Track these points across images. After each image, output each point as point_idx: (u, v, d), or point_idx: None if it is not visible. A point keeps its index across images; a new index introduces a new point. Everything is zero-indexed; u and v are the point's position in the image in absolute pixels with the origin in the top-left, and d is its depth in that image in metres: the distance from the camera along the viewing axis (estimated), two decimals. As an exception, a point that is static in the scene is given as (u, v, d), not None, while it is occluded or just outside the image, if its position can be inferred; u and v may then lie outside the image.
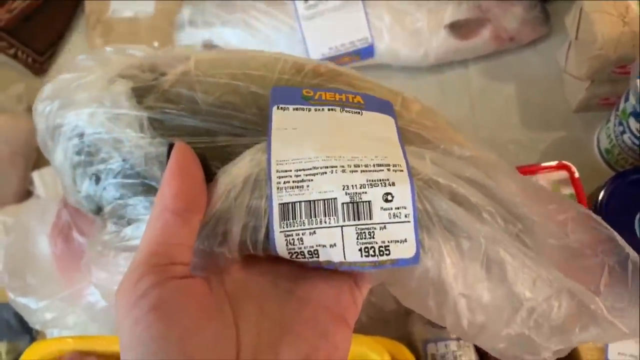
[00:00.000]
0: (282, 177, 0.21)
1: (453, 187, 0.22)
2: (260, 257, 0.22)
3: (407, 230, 0.21)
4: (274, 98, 0.23)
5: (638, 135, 0.43)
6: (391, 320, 0.45)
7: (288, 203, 0.21)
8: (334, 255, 0.21)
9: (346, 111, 0.23)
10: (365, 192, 0.21)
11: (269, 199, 0.21)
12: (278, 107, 0.23)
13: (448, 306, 0.22)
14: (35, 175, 0.57)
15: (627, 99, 0.43)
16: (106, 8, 0.64)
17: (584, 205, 0.42)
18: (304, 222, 0.21)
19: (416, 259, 0.21)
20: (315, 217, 0.21)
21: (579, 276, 0.23)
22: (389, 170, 0.21)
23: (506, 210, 0.23)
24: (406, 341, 0.41)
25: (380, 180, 0.21)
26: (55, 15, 0.66)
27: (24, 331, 0.49)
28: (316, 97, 0.23)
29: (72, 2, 0.67)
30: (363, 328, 0.45)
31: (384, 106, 0.24)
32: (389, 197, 0.21)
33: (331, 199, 0.21)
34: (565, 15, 0.50)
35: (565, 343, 0.22)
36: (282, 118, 0.22)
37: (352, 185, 0.21)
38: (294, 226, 0.21)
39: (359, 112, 0.23)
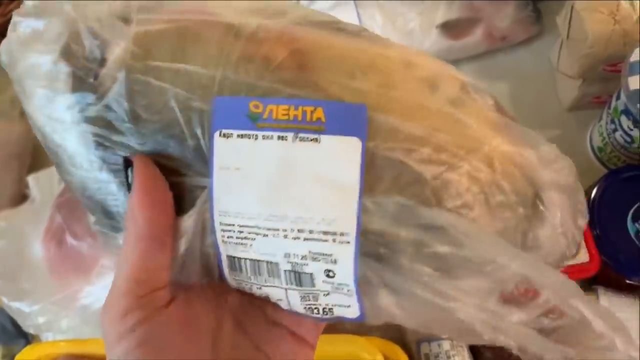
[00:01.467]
0: (226, 231, 0.20)
1: (411, 250, 0.19)
2: None
3: (350, 300, 0.20)
4: (217, 116, 0.19)
5: (629, 133, 0.43)
6: (385, 320, 0.45)
7: (234, 257, 0.20)
8: (282, 305, 0.22)
9: (300, 139, 0.19)
10: (307, 265, 0.20)
11: (217, 250, 0.20)
12: (221, 134, 0.19)
13: (406, 325, 0.22)
14: (31, 179, 0.57)
15: (618, 97, 0.43)
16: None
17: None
18: (250, 278, 0.21)
19: (361, 318, 0.21)
20: (260, 275, 0.20)
21: None
22: (334, 241, 0.19)
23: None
24: (399, 341, 0.42)
25: (322, 254, 0.19)
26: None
27: (19, 335, 0.49)
28: (265, 114, 0.19)
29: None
30: (356, 328, 0.45)
31: (352, 119, 0.19)
32: (331, 274, 0.20)
33: (274, 262, 0.20)
34: (557, 14, 0.50)
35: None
36: (225, 151, 0.19)
37: (294, 255, 0.19)
38: (242, 278, 0.21)
39: (316, 139, 0.19)
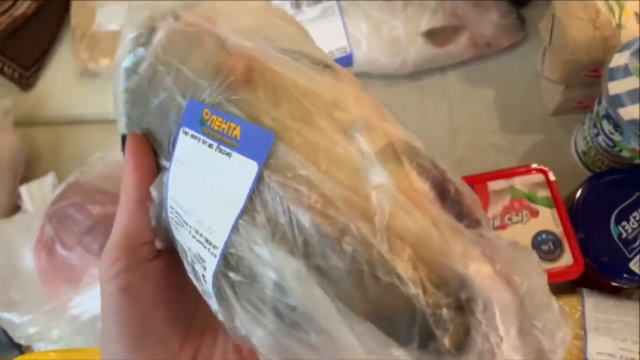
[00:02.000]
0: (171, 212, 0.23)
1: (256, 284, 0.19)
2: None
3: (214, 306, 0.22)
4: (185, 115, 0.22)
5: (611, 137, 0.44)
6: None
7: (174, 236, 0.24)
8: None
9: (220, 151, 0.21)
10: (196, 264, 0.22)
11: (166, 216, 0.24)
12: (184, 131, 0.22)
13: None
14: (23, 190, 0.58)
15: (599, 102, 0.44)
16: (91, 22, 0.64)
17: (561, 207, 0.43)
18: (180, 255, 0.24)
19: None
20: (182, 256, 0.23)
21: None
22: (209, 250, 0.21)
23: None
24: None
25: (201, 259, 0.21)
26: (41, 30, 0.67)
27: (12, 346, 0.49)
28: (209, 122, 0.21)
29: (58, 17, 0.68)
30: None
31: (259, 144, 0.19)
32: (204, 279, 0.22)
33: (185, 252, 0.23)
34: (540, 21, 0.51)
35: None
36: (182, 146, 0.23)
37: (192, 251, 0.22)
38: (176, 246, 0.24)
39: (229, 154, 0.20)
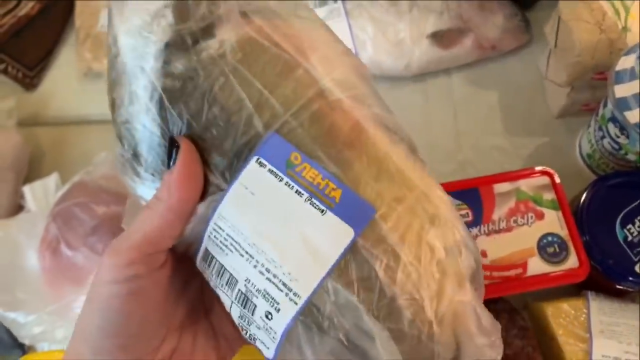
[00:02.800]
0: (216, 230, 0.22)
1: (333, 338, 0.21)
2: None
3: (272, 344, 0.22)
4: (263, 146, 0.21)
5: (617, 140, 0.44)
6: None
7: (210, 253, 0.23)
8: (226, 308, 0.24)
9: (311, 203, 0.21)
10: (257, 298, 0.22)
11: (201, 239, 0.23)
12: (257, 160, 0.21)
13: None
14: (26, 189, 0.57)
15: (605, 105, 0.44)
16: (95, 23, 0.64)
17: (566, 210, 0.43)
18: (212, 275, 0.23)
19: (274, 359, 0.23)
20: (220, 279, 0.23)
21: None
22: (287, 295, 0.21)
23: None
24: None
25: (272, 299, 0.21)
26: (45, 31, 0.67)
27: (15, 346, 0.49)
28: (299, 168, 0.21)
29: (62, 18, 0.68)
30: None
31: (359, 213, 0.21)
32: (269, 317, 0.22)
33: (235, 278, 0.22)
34: (545, 24, 0.51)
35: None
36: (252, 175, 0.21)
37: (252, 284, 0.22)
38: (206, 270, 0.24)
39: (323, 210, 0.21)
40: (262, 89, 0.21)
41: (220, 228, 0.22)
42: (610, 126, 0.44)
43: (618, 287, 0.42)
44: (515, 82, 0.56)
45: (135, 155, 0.24)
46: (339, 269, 0.21)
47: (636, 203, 0.42)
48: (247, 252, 0.22)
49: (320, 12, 0.53)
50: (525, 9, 0.56)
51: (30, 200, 0.57)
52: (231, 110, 0.21)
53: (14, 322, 0.41)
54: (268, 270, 0.21)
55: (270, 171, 0.21)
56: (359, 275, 0.21)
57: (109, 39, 0.24)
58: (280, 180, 0.21)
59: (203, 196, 0.23)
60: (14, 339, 0.47)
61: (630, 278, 0.40)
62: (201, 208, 0.23)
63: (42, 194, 0.57)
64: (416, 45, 0.53)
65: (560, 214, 0.43)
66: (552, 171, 0.44)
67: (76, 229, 0.42)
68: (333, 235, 0.21)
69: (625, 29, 0.45)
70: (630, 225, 0.42)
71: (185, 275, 0.26)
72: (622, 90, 0.41)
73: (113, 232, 0.40)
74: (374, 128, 0.22)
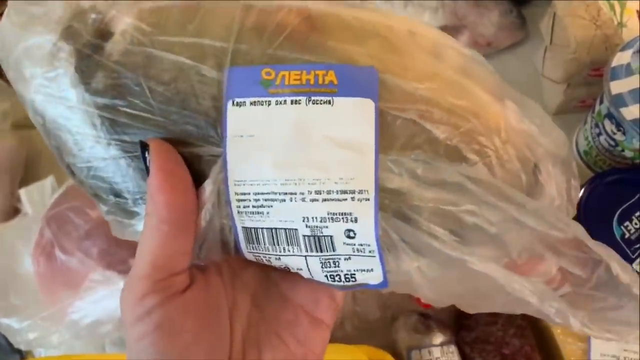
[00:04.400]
0: (242, 200, 0.20)
1: (430, 207, 0.20)
2: None
3: (372, 263, 0.20)
4: (229, 86, 0.19)
5: (613, 136, 0.44)
6: (375, 328, 0.45)
7: (251, 228, 0.20)
8: (303, 274, 0.21)
9: (313, 102, 0.19)
10: (327, 227, 0.19)
11: (232, 222, 0.20)
12: (234, 103, 0.19)
13: (422, 295, 0.22)
14: (22, 193, 0.57)
15: (601, 101, 0.44)
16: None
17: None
18: (268, 248, 0.20)
19: (384, 284, 0.21)
20: (278, 244, 0.20)
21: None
22: (353, 199, 0.19)
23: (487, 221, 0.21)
24: (390, 349, 0.42)
25: (342, 214, 0.19)
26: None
27: (13, 351, 0.49)
28: (278, 80, 0.19)
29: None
30: (347, 337, 0.45)
31: (364, 81, 0.19)
32: (352, 234, 0.19)
33: (292, 229, 0.20)
34: (540, 21, 0.51)
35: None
36: (238, 119, 0.19)
37: (313, 218, 0.19)
38: (259, 250, 0.21)
39: (329, 102, 0.19)
40: (189, 40, 0.20)
41: (244, 194, 0.19)
42: (607, 123, 0.44)
43: (616, 284, 0.42)
44: (511, 79, 0.54)
45: (117, 195, 0.22)
46: (383, 143, 0.19)
47: (633, 200, 0.42)
48: (286, 193, 0.19)
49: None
50: (520, 5, 0.56)
51: (26, 204, 0.56)
52: (175, 77, 0.20)
53: (9, 327, 0.41)
54: (319, 192, 0.19)
55: (253, 103, 0.19)
56: (404, 136, 0.19)
57: (29, 113, 0.22)
58: (269, 105, 0.19)
59: (201, 180, 0.20)
60: (11, 344, 0.47)
61: (628, 276, 0.40)
62: (207, 191, 0.20)
63: (38, 197, 0.57)
64: (411, 44, 0.53)
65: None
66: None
67: (70, 233, 0.41)
68: (355, 116, 0.19)
69: (620, 24, 0.45)
70: (627, 223, 0.42)
71: (233, 290, 0.23)
72: (618, 87, 0.41)
73: (107, 236, 0.40)
74: (315, 4, 0.20)
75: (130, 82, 0.20)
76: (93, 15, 0.20)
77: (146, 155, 0.20)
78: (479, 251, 0.20)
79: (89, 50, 0.20)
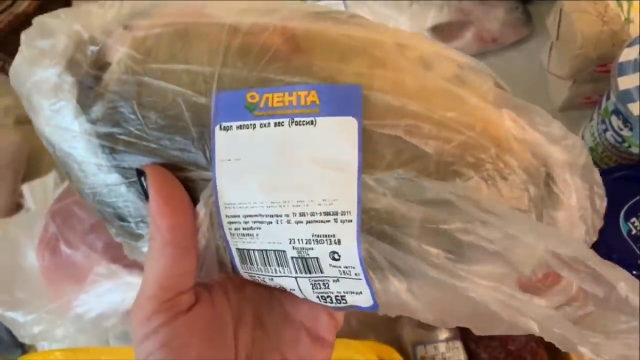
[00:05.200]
0: (232, 222, 0.20)
1: (417, 226, 0.19)
2: None
3: (359, 285, 0.20)
4: (216, 110, 0.20)
5: (620, 132, 0.44)
6: (380, 323, 0.45)
7: (243, 249, 0.21)
8: (297, 294, 0.22)
9: (296, 123, 0.19)
10: (312, 249, 0.20)
11: (227, 243, 0.21)
12: (221, 127, 0.20)
13: (420, 317, 0.22)
14: (25, 188, 0.57)
15: (608, 97, 0.44)
16: (92, 19, 0.64)
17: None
18: (261, 269, 0.21)
19: (374, 307, 0.21)
20: (270, 265, 0.21)
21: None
22: (336, 221, 0.19)
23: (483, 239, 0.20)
24: (396, 344, 0.42)
25: (325, 236, 0.19)
26: (42, 28, 0.66)
27: (16, 345, 0.49)
28: (262, 104, 0.19)
29: (59, 15, 0.68)
30: (353, 332, 0.45)
31: (347, 100, 0.19)
32: (336, 256, 0.19)
33: (281, 250, 0.20)
34: (547, 16, 0.51)
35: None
36: (225, 143, 0.20)
37: (298, 240, 0.20)
38: (253, 270, 0.21)
39: (312, 122, 0.19)
40: (178, 67, 0.20)
41: (234, 216, 0.20)
42: (613, 119, 0.43)
43: (622, 281, 0.42)
44: (517, 76, 0.55)
45: (122, 219, 0.23)
46: (367, 162, 0.19)
47: (640, 196, 0.42)
48: (272, 215, 0.19)
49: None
50: (526, 2, 0.56)
51: (29, 199, 0.56)
52: (166, 106, 0.20)
53: (13, 321, 0.41)
54: (303, 214, 0.19)
55: (239, 127, 0.19)
56: (390, 153, 0.19)
57: (43, 142, 0.23)
58: (254, 128, 0.19)
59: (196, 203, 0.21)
60: (14, 338, 0.47)
61: (635, 272, 0.40)
62: (200, 214, 0.21)
63: (41, 193, 0.57)
64: (416, 39, 0.52)
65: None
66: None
67: (75, 227, 0.41)
68: (338, 135, 0.19)
69: (628, 20, 0.45)
70: (634, 219, 0.41)
71: (238, 307, 0.23)
72: (625, 82, 0.40)
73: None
74: (301, 24, 0.20)
75: (125, 110, 0.20)
76: (92, 47, 0.21)
77: (143, 181, 0.21)
78: (483, 270, 0.19)
79: (89, 81, 0.21)
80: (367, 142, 0.19)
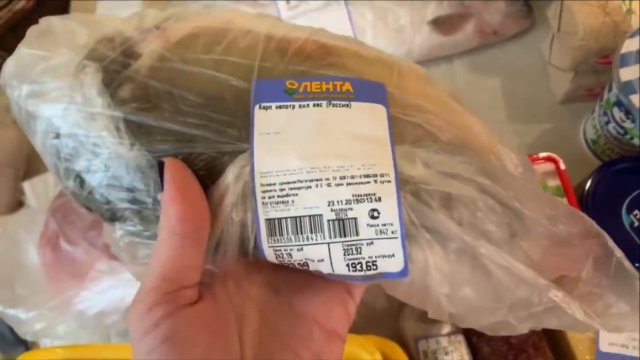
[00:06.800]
0: (267, 191, 0.20)
1: (443, 192, 0.21)
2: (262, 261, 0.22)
3: (394, 246, 0.20)
4: (256, 94, 0.21)
5: (622, 124, 0.43)
6: (382, 318, 0.45)
7: (274, 219, 0.21)
8: (323, 268, 0.21)
9: (333, 105, 0.21)
10: (351, 209, 0.20)
11: (255, 214, 0.21)
12: (260, 107, 0.21)
13: (431, 303, 0.22)
14: (27, 185, 0.57)
15: (610, 89, 0.43)
16: (91, 16, 0.64)
17: (571, 197, 0.42)
18: (290, 239, 0.21)
19: (404, 272, 0.21)
20: (302, 233, 0.21)
21: (565, 263, 0.23)
22: (375, 182, 0.20)
23: (499, 203, 0.22)
24: (397, 338, 0.42)
25: (366, 195, 0.20)
26: (41, 25, 0.66)
27: (18, 342, 0.49)
28: (301, 89, 0.22)
29: (57, 12, 0.68)
30: (354, 327, 0.44)
31: (375, 92, 0.22)
32: (375, 214, 0.20)
33: (317, 215, 0.20)
34: (548, 8, 0.50)
35: (539, 325, 0.23)
36: (264, 120, 0.21)
37: (338, 201, 0.20)
38: (281, 242, 0.21)
39: (347, 105, 0.21)
40: (218, 57, 0.22)
41: (269, 184, 0.20)
42: (615, 110, 0.43)
43: (625, 273, 0.42)
44: (518, 68, 0.55)
45: (134, 202, 0.22)
46: (396, 139, 0.22)
47: (642, 188, 0.42)
48: (312, 180, 0.20)
49: (319, 0, 0.52)
50: (527, -7, 0.56)
51: (30, 196, 0.56)
52: (203, 87, 0.21)
53: (15, 318, 0.41)
54: (343, 178, 0.20)
55: (278, 107, 0.21)
56: (412, 135, 0.22)
57: (35, 138, 0.23)
58: (293, 108, 0.21)
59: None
60: (17, 335, 0.47)
61: (637, 264, 0.40)
62: (234, 190, 0.21)
63: (42, 190, 0.57)
64: (417, 32, 0.52)
65: (565, 200, 0.42)
66: (557, 157, 0.44)
67: (75, 224, 0.41)
68: (370, 116, 0.22)
69: (629, 11, 0.44)
70: (636, 211, 0.41)
71: (241, 306, 0.23)
72: (627, 74, 0.40)
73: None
74: (325, 39, 0.24)
75: (159, 90, 0.21)
76: (120, 39, 0.22)
77: (161, 173, 0.21)
78: (495, 233, 0.21)
79: (117, 66, 0.22)
80: (393, 125, 0.22)
